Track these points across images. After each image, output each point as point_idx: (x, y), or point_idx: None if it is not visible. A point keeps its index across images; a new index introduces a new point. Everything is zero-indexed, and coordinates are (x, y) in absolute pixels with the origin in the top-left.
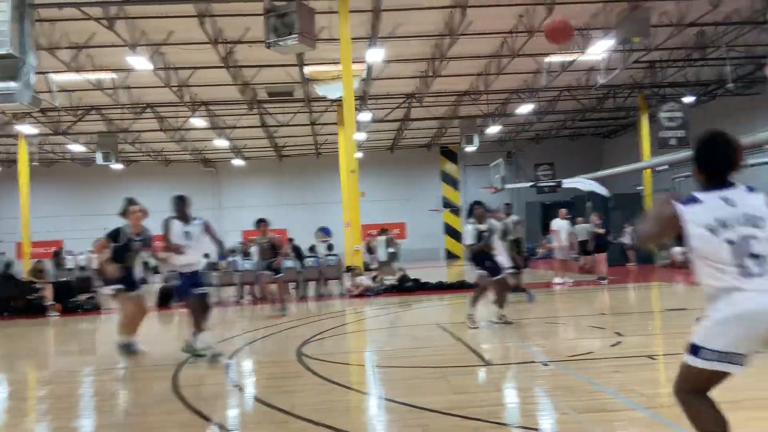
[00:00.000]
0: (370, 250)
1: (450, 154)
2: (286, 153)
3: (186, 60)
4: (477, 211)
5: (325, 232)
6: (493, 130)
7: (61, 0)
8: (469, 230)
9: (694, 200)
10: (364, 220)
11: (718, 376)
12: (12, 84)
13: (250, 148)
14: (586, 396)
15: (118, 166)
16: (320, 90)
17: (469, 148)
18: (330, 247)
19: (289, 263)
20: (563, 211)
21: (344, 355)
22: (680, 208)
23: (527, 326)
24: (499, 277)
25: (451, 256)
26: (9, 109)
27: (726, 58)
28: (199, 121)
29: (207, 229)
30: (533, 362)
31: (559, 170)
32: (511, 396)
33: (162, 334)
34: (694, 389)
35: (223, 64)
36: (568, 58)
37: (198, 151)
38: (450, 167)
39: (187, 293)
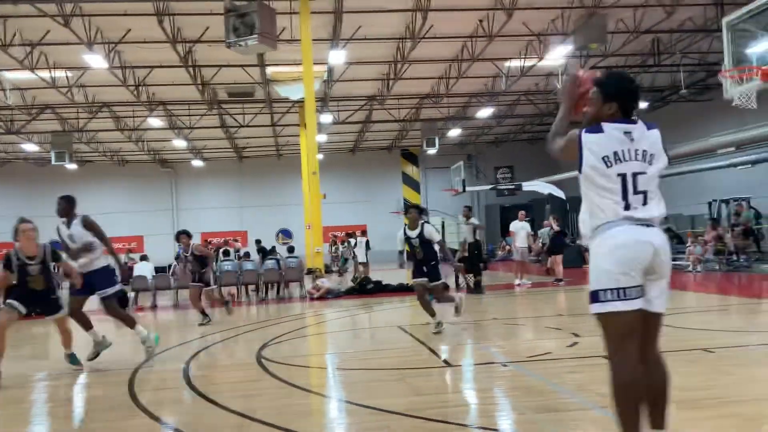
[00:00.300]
0: (337, 251)
1: (411, 156)
2: (246, 154)
3: (143, 59)
4: (410, 215)
5: (286, 234)
6: (454, 133)
7: None
8: (398, 237)
9: (597, 129)
10: (325, 222)
11: (628, 319)
12: None
13: (209, 149)
14: (544, 396)
15: (72, 167)
16: (281, 91)
17: (430, 151)
18: (291, 249)
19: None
20: (522, 213)
21: (304, 357)
22: (583, 136)
23: (486, 327)
24: (437, 282)
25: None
26: None
27: (680, 64)
28: (156, 121)
29: (87, 225)
30: (492, 363)
31: (518, 173)
32: (470, 397)
33: (117, 338)
34: (617, 346)
35: (181, 64)
36: (527, 63)
37: (156, 152)
38: (411, 170)
39: (81, 295)
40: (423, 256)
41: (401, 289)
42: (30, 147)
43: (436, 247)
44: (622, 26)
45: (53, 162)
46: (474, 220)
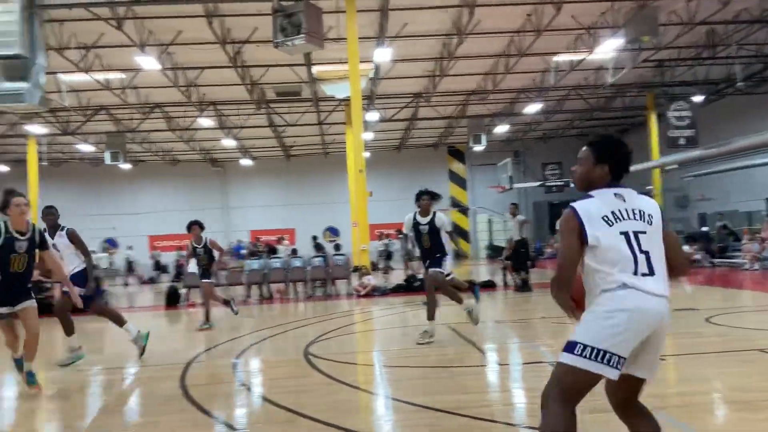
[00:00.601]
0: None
1: (457, 153)
2: (293, 153)
3: (194, 60)
4: (423, 201)
5: (333, 231)
6: (501, 129)
7: (70, 0)
8: (406, 220)
9: (586, 197)
10: (371, 220)
11: (592, 381)
12: (22, 84)
13: (257, 147)
14: (594, 396)
15: (126, 166)
16: (328, 89)
17: (477, 148)
18: (338, 247)
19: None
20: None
21: (351, 354)
22: (577, 207)
23: (535, 326)
24: (437, 269)
25: (459, 255)
26: (19, 109)
27: (735, 56)
28: (207, 121)
29: (72, 238)
30: (541, 362)
31: (567, 169)
32: (518, 396)
33: (169, 333)
34: (565, 397)
35: (231, 64)
36: (577, 57)
37: (206, 151)
38: (457, 167)
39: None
40: (430, 246)
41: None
42: (85, 147)
43: (445, 239)
44: (675, 18)
45: (108, 162)
46: (521, 217)
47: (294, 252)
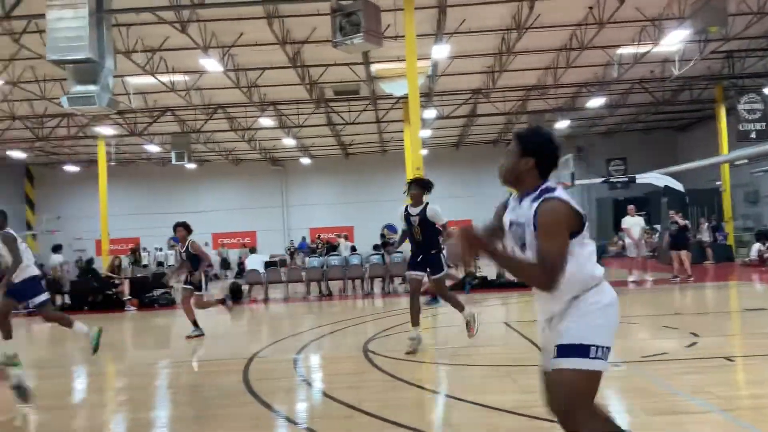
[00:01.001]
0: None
1: None
2: (352, 151)
3: (255, 61)
4: (412, 191)
5: (391, 229)
6: (563, 124)
7: (137, 5)
8: (399, 214)
9: (551, 189)
10: None
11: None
12: (91, 87)
13: (317, 146)
14: (659, 398)
15: (191, 166)
16: (386, 88)
17: None
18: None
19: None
20: (631, 207)
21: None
22: (563, 197)
23: None
24: (439, 275)
25: None
26: (89, 111)
27: None
28: (267, 121)
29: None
30: None
31: (631, 165)
32: None
33: (232, 328)
34: (593, 407)
35: (290, 64)
36: (641, 49)
37: (266, 150)
38: None
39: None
40: (422, 240)
41: (507, 285)
42: (152, 148)
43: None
44: (744, 7)
45: (173, 162)
46: None
47: (353, 249)
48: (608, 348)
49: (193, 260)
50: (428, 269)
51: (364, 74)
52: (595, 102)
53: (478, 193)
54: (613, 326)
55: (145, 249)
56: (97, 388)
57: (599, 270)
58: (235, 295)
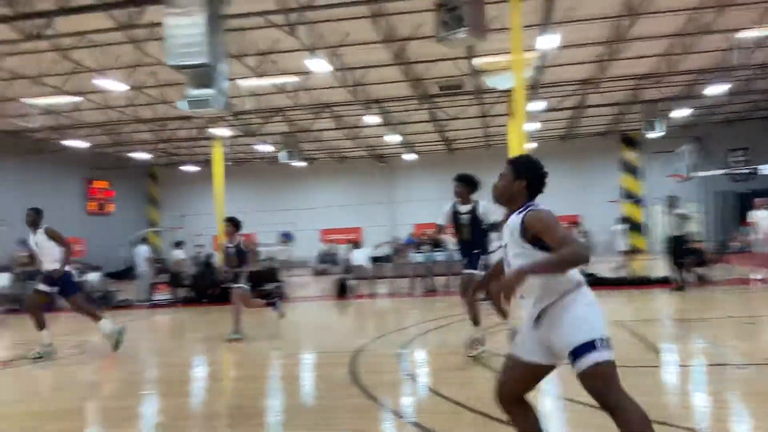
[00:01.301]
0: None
1: (630, 141)
2: (456, 146)
3: (360, 60)
4: (458, 188)
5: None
6: (679, 113)
7: (248, 10)
8: (444, 211)
9: (539, 205)
10: None
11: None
12: (207, 91)
13: (421, 142)
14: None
15: (300, 164)
16: (490, 81)
17: (652, 134)
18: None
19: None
20: (759, 200)
21: None
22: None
23: (719, 325)
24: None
25: (631, 250)
26: (205, 114)
27: None
28: (372, 119)
29: (51, 235)
30: (725, 364)
31: (755, 156)
32: (698, 399)
33: (339, 322)
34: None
35: (394, 62)
36: (765, 32)
37: (372, 147)
38: (630, 155)
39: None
40: (471, 238)
41: (618, 283)
42: (263, 147)
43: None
44: None
45: (283, 161)
46: (680, 210)
47: None
48: (608, 338)
49: (242, 256)
50: (467, 262)
51: (467, 68)
52: (714, 89)
53: (586, 186)
54: (602, 319)
55: (260, 244)
56: (215, 377)
57: (578, 275)
58: (342, 290)
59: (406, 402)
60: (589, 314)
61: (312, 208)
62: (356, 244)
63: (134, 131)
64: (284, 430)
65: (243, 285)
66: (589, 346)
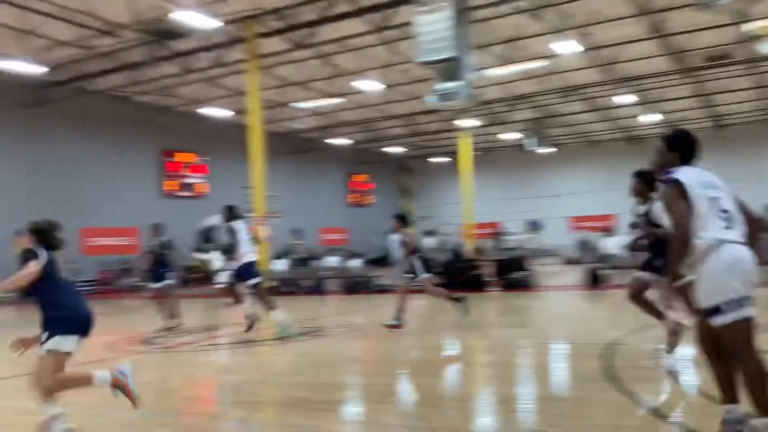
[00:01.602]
0: None
1: None
2: (726, 122)
3: (612, 37)
4: (635, 185)
5: None
6: None
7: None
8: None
9: (679, 172)
10: None
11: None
12: (455, 84)
13: (681, 120)
14: None
15: (547, 150)
16: (764, 48)
17: None
18: None
19: None
20: None
21: None
22: (677, 177)
23: None
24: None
25: None
26: (452, 106)
27: None
28: (626, 98)
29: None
30: None
31: None
32: None
33: (591, 313)
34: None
35: (651, 35)
36: None
37: (624, 129)
38: None
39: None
40: (652, 241)
41: None
42: (507, 136)
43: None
44: None
45: (528, 147)
46: None
47: None
48: (735, 300)
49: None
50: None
51: (734, 36)
52: None
53: None
54: (736, 278)
55: (508, 233)
56: (467, 361)
57: (710, 235)
58: (595, 280)
59: (667, 401)
60: (708, 280)
61: (557, 195)
62: (609, 232)
63: (388, 127)
64: (538, 417)
65: (424, 274)
66: (715, 309)
